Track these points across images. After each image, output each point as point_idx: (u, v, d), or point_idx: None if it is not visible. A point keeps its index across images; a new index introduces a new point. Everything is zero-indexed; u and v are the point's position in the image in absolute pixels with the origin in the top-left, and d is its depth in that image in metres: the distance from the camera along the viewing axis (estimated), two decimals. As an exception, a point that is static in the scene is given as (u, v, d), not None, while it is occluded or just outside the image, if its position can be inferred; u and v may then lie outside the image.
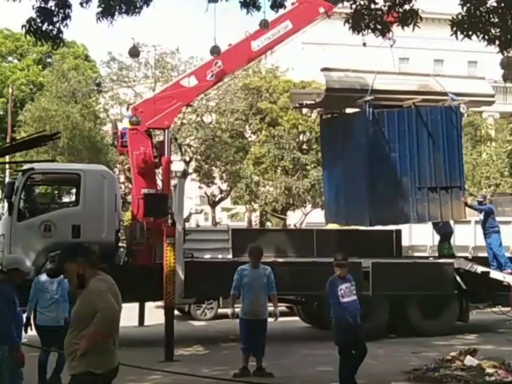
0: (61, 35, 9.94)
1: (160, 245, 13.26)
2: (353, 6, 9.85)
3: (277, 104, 32.59)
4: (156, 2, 10.11)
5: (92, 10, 9.91)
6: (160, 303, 14.65)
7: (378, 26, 9.86)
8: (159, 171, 16.28)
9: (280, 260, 14.49)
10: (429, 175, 15.00)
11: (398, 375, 10.12)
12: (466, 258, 15.57)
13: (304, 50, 40.83)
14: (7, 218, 13.61)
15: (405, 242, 16.26)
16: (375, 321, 14.19)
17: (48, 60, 38.92)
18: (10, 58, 40.49)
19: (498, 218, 16.43)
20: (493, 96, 16.26)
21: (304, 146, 32.89)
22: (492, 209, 16.34)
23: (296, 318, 16.78)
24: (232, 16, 17.98)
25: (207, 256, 15.06)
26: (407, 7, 9.78)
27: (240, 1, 9.98)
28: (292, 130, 32.05)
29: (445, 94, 15.03)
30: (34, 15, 9.62)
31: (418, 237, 16.42)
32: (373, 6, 9.82)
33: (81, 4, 9.90)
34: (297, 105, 17.58)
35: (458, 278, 14.65)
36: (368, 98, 14.37)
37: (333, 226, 17.16)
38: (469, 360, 10.21)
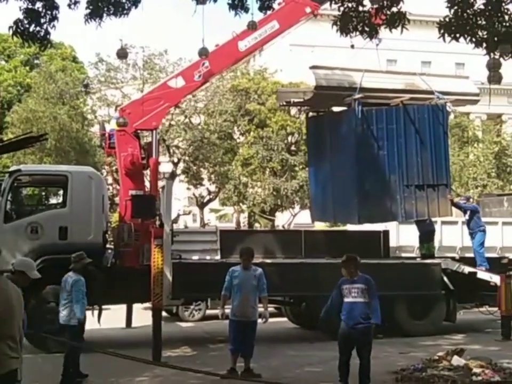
0: (48, 36, 9.92)
1: (148, 246, 13.24)
2: (341, 8, 9.89)
3: (265, 105, 32.63)
4: (144, 3, 10.13)
5: (80, 11, 9.91)
6: (148, 304, 14.62)
7: (366, 29, 9.91)
8: (147, 172, 16.25)
9: (268, 260, 14.48)
10: (416, 173, 15.09)
11: (386, 375, 10.14)
12: (453, 258, 15.66)
13: (292, 52, 40.92)
14: (-7, 220, 13.53)
15: (392, 243, 16.31)
16: (362, 322, 14.25)
17: (36, 61, 38.75)
18: (-3, 60, 40.32)
19: (485, 219, 16.54)
20: (477, 95, 16.37)
21: (293, 148, 32.95)
22: (477, 208, 16.45)
23: (284, 319, 16.81)
24: (221, 17, 17.96)
25: (195, 257, 15.03)
26: (394, 9, 9.83)
27: (228, 3, 10.00)
28: (280, 132, 32.10)
29: (431, 92, 15.14)
30: (21, 17, 9.60)
31: (405, 237, 16.47)
32: (360, 8, 9.87)
33: (69, 5, 9.88)
34: (284, 103, 17.58)
35: (445, 278, 14.73)
36: (357, 96, 14.42)
37: (321, 225, 17.20)
38: (456, 360, 10.26)
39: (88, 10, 9.81)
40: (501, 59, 9.50)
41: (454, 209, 16.02)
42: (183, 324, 17.52)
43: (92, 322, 13.60)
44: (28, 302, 9.67)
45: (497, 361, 10.32)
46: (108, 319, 14.66)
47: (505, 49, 9.32)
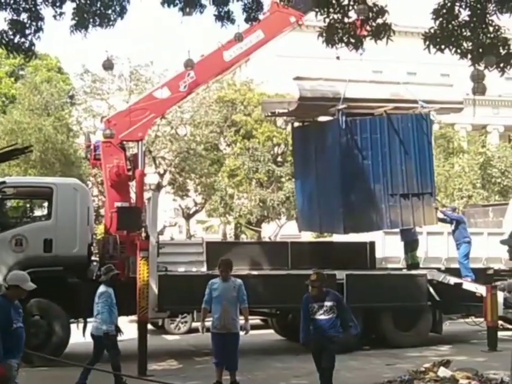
0: (33, 47, 9.86)
1: (134, 258, 13.16)
2: (327, 20, 9.91)
3: (251, 116, 32.67)
4: (130, 15, 10.11)
5: (65, 22, 9.87)
6: (134, 317, 14.51)
7: (352, 40, 9.94)
8: (133, 184, 16.17)
9: (255, 272, 14.47)
10: (401, 182, 15.13)
11: (373, 387, 10.11)
12: (439, 269, 15.68)
13: (278, 63, 41.01)
14: (-22, 233, 13.41)
15: (378, 254, 16.32)
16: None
17: (21, 72, 38.54)
18: (-18, 71, 40.06)
19: (470, 230, 16.59)
20: (461, 103, 16.44)
21: (279, 159, 32.99)
22: (463, 218, 16.49)
23: (271, 331, 16.74)
24: (207, 27, 17.95)
25: (181, 269, 14.97)
26: (380, 21, 9.87)
27: (214, 15, 10.00)
28: (267, 143, 32.14)
29: (415, 101, 15.19)
30: (6, 28, 9.55)
31: (391, 248, 16.48)
32: (346, 19, 9.90)
33: (54, 16, 9.83)
34: (269, 114, 17.61)
35: (431, 289, 14.75)
36: (341, 106, 14.45)
37: (307, 236, 17.20)
38: (443, 371, 10.24)
39: (73, 22, 9.75)
40: (486, 70, 9.55)
41: (439, 217, 16.08)
42: (169, 337, 17.41)
43: (77, 335, 13.49)
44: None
45: (484, 372, 10.31)
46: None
47: (490, 60, 9.37)
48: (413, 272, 15.29)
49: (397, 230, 15.71)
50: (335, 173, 14.94)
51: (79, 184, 15.00)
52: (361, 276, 14.68)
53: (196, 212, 37.81)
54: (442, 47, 9.55)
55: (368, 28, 9.91)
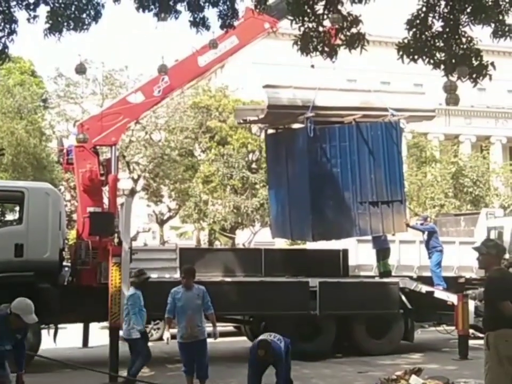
0: (6, 50, 9.79)
1: (106, 264, 13.04)
2: (302, 28, 9.96)
3: (226, 123, 32.70)
4: (104, 19, 10.07)
5: (39, 25, 9.79)
6: (105, 323, 14.39)
7: (326, 49, 10.00)
8: (106, 189, 16.05)
9: (228, 279, 14.43)
10: (370, 190, 15.17)
11: (344, 395, 10.12)
12: (411, 277, 15.78)
13: (254, 70, 41.10)
14: None
15: (351, 261, 16.38)
16: (321, 340, 14.26)
17: (-6, 74, 38.20)
18: (-47, 73, 39.58)
19: (442, 239, 16.73)
20: (433, 111, 16.55)
21: (254, 166, 33.03)
22: (435, 228, 16.62)
23: (244, 338, 16.69)
24: (182, 32, 17.96)
25: (154, 275, 14.86)
26: (354, 30, 9.95)
27: (189, 21, 10.00)
28: (241, 149, 32.16)
29: (385, 109, 15.26)
30: (-21, 30, 9.45)
31: (364, 256, 16.56)
32: (320, 28, 9.96)
33: (28, 19, 9.77)
34: (241, 121, 17.61)
35: (403, 297, 14.82)
36: (309, 114, 14.47)
37: (281, 243, 17.20)
38: (414, 380, 10.28)
39: (47, 25, 9.70)
40: (459, 81, 9.65)
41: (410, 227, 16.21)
42: (141, 343, 17.25)
43: (47, 342, 13.33)
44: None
45: (455, 381, 10.38)
46: (64, 338, 14.37)
47: (462, 71, 9.48)
48: (386, 280, 15.36)
49: (370, 237, 15.79)
50: (304, 180, 14.95)
51: (51, 188, 14.83)
52: (334, 283, 14.72)
53: (170, 217, 37.69)
54: (416, 57, 9.66)
55: (342, 37, 9.98)
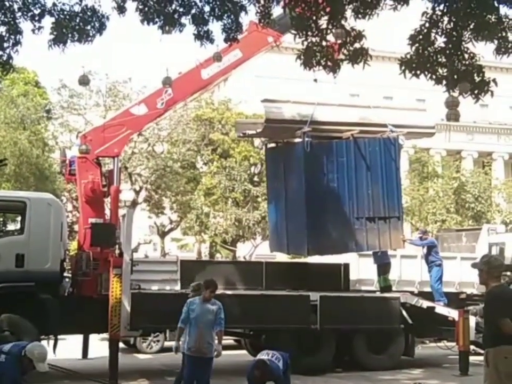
0: (11, 61, 9.86)
1: (107, 275, 13.04)
2: (305, 43, 10.01)
3: (229, 135, 32.78)
4: (109, 31, 10.12)
5: (43, 36, 9.85)
6: (105, 335, 14.36)
7: (329, 63, 10.04)
8: (108, 200, 16.07)
9: (229, 292, 14.38)
10: (367, 206, 15.09)
11: (344, 410, 10.07)
12: (412, 293, 15.74)
13: (257, 83, 41.27)
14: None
15: (352, 276, 16.35)
16: (322, 355, 14.21)
17: (-3, 85, 38.37)
18: (-43, 83, 39.74)
19: (444, 254, 16.69)
20: (433, 128, 16.49)
21: (255, 179, 33.07)
22: (434, 242, 16.56)
23: (243, 351, 16.64)
24: (186, 45, 18.04)
25: (155, 287, 14.86)
26: (357, 45, 9.99)
27: (194, 34, 10.05)
28: (243, 162, 32.21)
29: (384, 125, 15.25)
30: (-16, 40, 9.51)
31: (365, 271, 16.54)
32: (324, 43, 10.00)
33: (33, 30, 9.83)
34: (241, 135, 17.64)
35: (404, 313, 14.77)
36: (306, 129, 14.47)
37: (283, 257, 17.14)
38: (414, 395, 10.26)
39: (52, 36, 9.75)
40: (460, 97, 9.68)
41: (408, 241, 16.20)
42: (141, 356, 17.22)
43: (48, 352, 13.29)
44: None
45: (455, 396, 10.34)
46: (64, 349, 14.33)
47: (464, 87, 9.51)
48: (387, 295, 15.32)
49: (371, 252, 15.76)
50: (300, 194, 14.92)
51: (53, 199, 14.84)
52: (335, 297, 14.68)
53: (171, 229, 37.70)
54: (418, 72, 9.69)
55: (345, 51, 10.02)
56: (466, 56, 9.68)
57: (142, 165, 32.85)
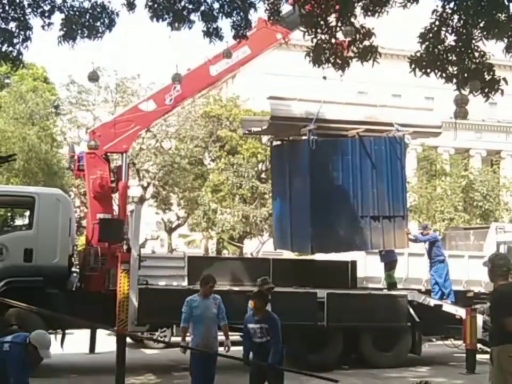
0: (20, 57, 9.88)
1: (114, 271, 13.09)
2: (314, 40, 10.00)
3: (236, 132, 32.77)
4: (118, 28, 10.15)
5: (53, 33, 9.89)
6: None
7: (338, 61, 10.03)
8: (116, 196, 16.12)
9: (236, 288, 14.42)
10: (371, 204, 15.03)
11: (350, 407, 10.08)
12: (419, 290, 15.73)
13: (265, 80, 41.24)
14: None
15: (360, 273, 16.34)
16: (328, 352, 14.22)
17: (6, 80, 38.45)
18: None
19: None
20: (439, 127, 16.40)
21: (263, 175, 33.07)
22: (436, 237, 16.48)
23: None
24: (195, 41, 18.06)
25: (162, 283, 14.90)
26: (367, 43, 9.98)
27: (203, 31, 10.06)
28: (251, 159, 32.22)
29: (390, 124, 15.20)
30: (-6, 36, 9.54)
31: (373, 268, 16.53)
32: (333, 40, 9.99)
33: (42, 26, 9.85)
34: (247, 132, 17.64)
35: (411, 310, 14.76)
36: (311, 127, 14.42)
37: (290, 254, 17.10)
38: (421, 393, 10.25)
39: (61, 32, 9.78)
40: (470, 95, 9.66)
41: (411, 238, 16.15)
42: (148, 351, 17.28)
43: (54, 347, 13.35)
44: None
45: (461, 395, 10.34)
46: (71, 344, 14.40)
47: (474, 85, 9.48)
48: (394, 292, 15.31)
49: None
50: (305, 192, 14.88)
51: (61, 194, 14.91)
52: (342, 294, 14.68)
53: (178, 225, 37.76)
54: (428, 70, 9.66)
55: (354, 49, 10.01)
56: (476, 54, 9.64)
57: (150, 161, 32.92)
